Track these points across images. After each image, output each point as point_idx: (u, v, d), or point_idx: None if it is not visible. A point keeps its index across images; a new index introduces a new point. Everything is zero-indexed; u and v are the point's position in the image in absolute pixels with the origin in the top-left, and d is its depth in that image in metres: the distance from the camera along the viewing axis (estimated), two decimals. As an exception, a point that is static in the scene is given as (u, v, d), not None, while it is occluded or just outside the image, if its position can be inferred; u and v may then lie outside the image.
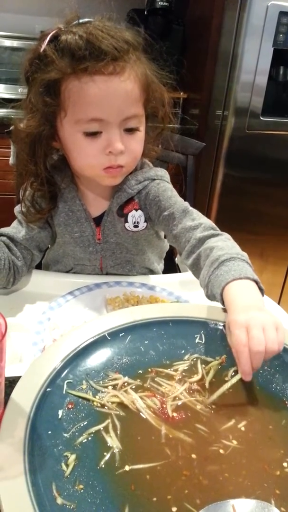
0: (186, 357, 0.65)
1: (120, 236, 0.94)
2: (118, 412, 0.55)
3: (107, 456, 0.49)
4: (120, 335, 0.66)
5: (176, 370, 0.62)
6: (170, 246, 1.12)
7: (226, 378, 0.60)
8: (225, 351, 0.65)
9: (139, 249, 0.97)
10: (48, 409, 0.53)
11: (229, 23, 1.75)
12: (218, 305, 0.72)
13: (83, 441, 0.51)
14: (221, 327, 0.69)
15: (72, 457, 0.48)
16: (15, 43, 2.00)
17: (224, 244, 0.75)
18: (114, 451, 0.50)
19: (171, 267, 1.22)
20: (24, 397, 0.53)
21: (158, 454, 0.50)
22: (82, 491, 0.46)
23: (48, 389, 0.55)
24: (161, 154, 1.13)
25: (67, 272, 1.00)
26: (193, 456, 0.50)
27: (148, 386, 0.59)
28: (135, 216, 0.91)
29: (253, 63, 1.74)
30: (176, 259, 1.29)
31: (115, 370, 0.61)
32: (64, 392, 0.56)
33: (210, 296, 0.72)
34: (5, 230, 0.90)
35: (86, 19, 0.78)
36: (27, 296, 0.88)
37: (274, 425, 0.55)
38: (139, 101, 0.80)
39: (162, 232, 1.01)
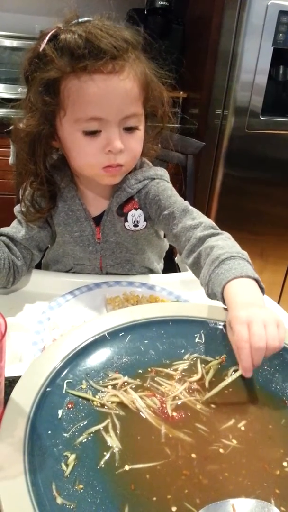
0: (186, 357, 0.64)
1: (119, 236, 0.94)
2: (118, 412, 0.55)
3: (107, 455, 0.49)
4: (120, 334, 0.66)
5: (176, 370, 0.62)
6: (170, 245, 1.12)
7: (226, 377, 0.60)
8: (225, 350, 0.65)
9: (139, 249, 0.97)
10: (48, 408, 0.53)
11: (229, 22, 1.74)
12: (218, 304, 0.72)
13: (83, 440, 0.51)
14: (220, 327, 0.69)
15: (72, 457, 0.48)
16: (14, 43, 2.00)
17: (225, 243, 0.75)
18: (114, 450, 0.50)
19: (170, 266, 1.22)
20: (24, 397, 0.53)
21: (158, 453, 0.50)
22: (82, 490, 0.45)
23: (48, 389, 0.55)
24: (161, 154, 1.13)
25: (67, 271, 1.00)
26: (193, 455, 0.50)
27: (148, 385, 0.59)
28: (135, 215, 0.91)
29: (253, 62, 1.74)
30: (175, 258, 1.29)
31: (115, 370, 0.61)
32: (64, 392, 0.56)
33: (211, 295, 0.72)
34: (4, 229, 0.90)
35: (85, 19, 0.78)
36: (27, 295, 0.88)
37: (274, 424, 0.55)
38: (138, 100, 0.80)
39: (161, 232, 1.01)
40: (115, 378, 0.59)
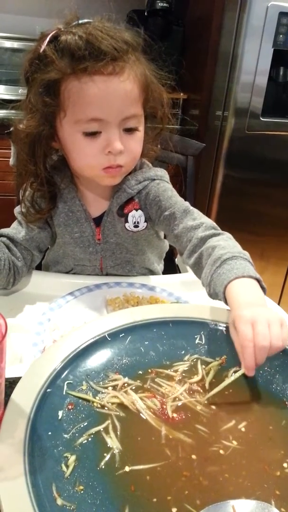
0: (186, 358, 0.64)
1: (120, 236, 0.94)
2: (118, 413, 0.55)
3: (107, 457, 0.49)
4: (120, 335, 0.66)
5: (176, 371, 0.62)
6: (170, 246, 1.12)
7: (226, 378, 0.60)
8: (225, 351, 0.65)
9: (139, 249, 0.97)
10: (48, 410, 0.53)
11: (229, 23, 1.75)
12: (219, 305, 0.72)
13: (83, 442, 0.51)
14: (221, 328, 0.69)
15: (72, 458, 0.48)
16: (15, 44, 2.01)
17: (226, 243, 0.76)
18: (114, 452, 0.50)
19: (171, 267, 1.22)
20: (24, 398, 0.53)
21: (158, 454, 0.50)
22: (82, 492, 0.45)
23: (48, 390, 0.55)
24: (161, 155, 1.13)
25: (67, 272, 1.00)
26: (193, 456, 0.50)
27: (148, 386, 0.59)
28: (135, 216, 0.91)
29: (253, 63, 1.75)
30: (176, 259, 1.29)
31: (115, 371, 0.61)
32: (64, 393, 0.56)
33: (213, 295, 0.72)
34: (5, 230, 0.90)
35: (86, 20, 0.78)
36: (27, 297, 0.88)
37: (274, 425, 0.55)
38: (138, 101, 0.80)
39: (162, 232, 1.01)
40: (116, 379, 0.59)
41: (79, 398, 0.56)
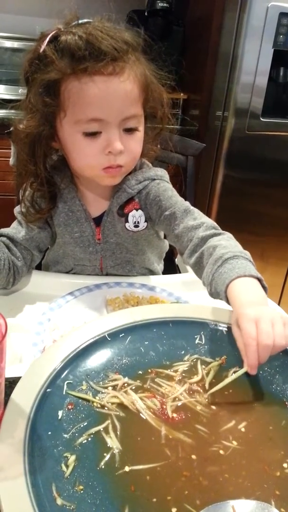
0: (186, 358, 0.64)
1: (120, 236, 0.94)
2: (118, 413, 0.55)
3: (107, 457, 0.49)
4: (120, 335, 0.66)
5: (176, 371, 0.62)
6: (170, 246, 1.12)
7: (226, 378, 0.60)
8: (225, 351, 0.65)
9: (139, 249, 0.97)
10: (48, 409, 0.53)
11: (229, 24, 1.75)
12: (219, 305, 0.72)
13: (83, 442, 0.51)
14: (221, 328, 0.69)
15: (72, 458, 0.48)
16: (15, 44, 2.01)
17: (227, 243, 0.76)
18: (114, 451, 0.50)
19: (171, 267, 1.22)
20: (24, 398, 0.53)
21: (158, 455, 0.50)
22: (82, 492, 0.45)
23: (48, 390, 0.55)
24: (161, 155, 1.13)
25: (67, 272, 1.00)
26: (193, 457, 0.50)
27: (148, 387, 0.59)
28: (136, 216, 0.91)
29: (253, 64, 1.75)
30: (176, 259, 1.29)
31: (115, 371, 0.61)
32: (64, 393, 0.56)
33: (214, 294, 0.72)
34: (5, 230, 0.90)
35: (86, 20, 0.78)
36: (27, 296, 0.88)
37: (274, 426, 0.55)
38: (138, 101, 0.80)
39: (161, 232, 1.01)
40: (115, 379, 0.59)
41: (79, 398, 0.56)
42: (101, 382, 0.59)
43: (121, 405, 0.56)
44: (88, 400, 0.56)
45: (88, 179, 0.87)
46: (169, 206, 0.87)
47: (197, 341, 0.67)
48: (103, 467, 0.48)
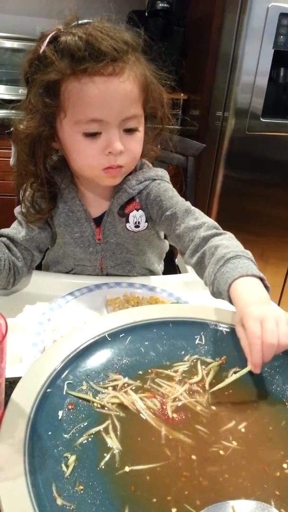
0: (186, 358, 0.64)
1: (120, 237, 0.94)
2: (118, 413, 0.55)
3: (107, 457, 0.49)
4: (120, 336, 0.66)
5: (176, 371, 0.62)
6: (170, 246, 1.12)
7: (226, 379, 0.60)
8: (225, 352, 0.65)
9: (139, 250, 0.97)
10: (48, 410, 0.53)
11: (230, 24, 1.75)
12: (219, 306, 0.72)
13: (83, 442, 0.51)
14: (221, 328, 0.69)
15: (72, 458, 0.48)
16: (15, 44, 2.01)
17: (229, 242, 0.76)
18: (114, 452, 0.50)
19: (171, 268, 1.22)
20: (24, 398, 0.53)
21: (158, 455, 0.50)
22: (82, 492, 0.45)
23: (48, 390, 0.55)
24: (161, 155, 1.13)
25: (67, 272, 1.00)
26: (193, 457, 0.50)
27: (148, 387, 0.59)
28: (136, 216, 0.91)
29: (254, 64, 1.75)
30: (176, 260, 1.29)
31: (115, 371, 0.61)
32: (64, 393, 0.56)
33: (216, 294, 0.72)
34: (5, 231, 0.90)
35: (85, 20, 0.78)
36: (27, 297, 0.88)
37: (274, 426, 0.55)
38: (138, 102, 0.80)
39: (162, 233, 1.01)
40: (116, 380, 0.59)
41: (79, 398, 0.56)
42: (101, 382, 0.59)
43: (121, 405, 0.56)
44: (88, 400, 0.56)
45: (88, 180, 0.87)
46: (170, 206, 0.87)
47: (197, 341, 0.67)
48: (103, 467, 0.48)
